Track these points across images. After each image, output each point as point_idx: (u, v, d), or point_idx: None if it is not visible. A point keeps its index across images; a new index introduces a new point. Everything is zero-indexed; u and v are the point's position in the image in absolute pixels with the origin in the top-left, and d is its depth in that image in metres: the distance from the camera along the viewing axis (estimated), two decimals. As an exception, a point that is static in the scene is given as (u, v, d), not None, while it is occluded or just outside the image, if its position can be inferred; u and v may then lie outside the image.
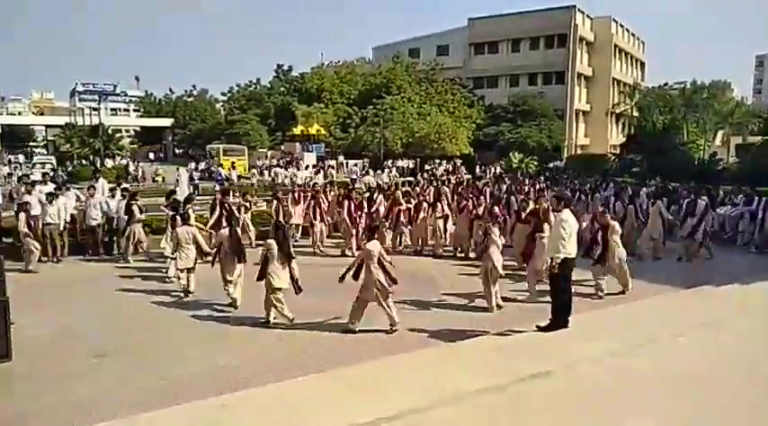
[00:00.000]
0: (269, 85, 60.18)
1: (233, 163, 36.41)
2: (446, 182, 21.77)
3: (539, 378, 6.10)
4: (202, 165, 39.56)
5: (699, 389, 5.95)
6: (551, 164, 42.79)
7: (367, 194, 16.19)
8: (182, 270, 9.94)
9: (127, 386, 6.32)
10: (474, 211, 13.13)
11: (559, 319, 7.66)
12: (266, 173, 33.50)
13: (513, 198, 15.34)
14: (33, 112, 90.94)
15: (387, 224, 13.97)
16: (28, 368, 6.85)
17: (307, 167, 31.85)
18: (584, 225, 10.93)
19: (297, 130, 41.90)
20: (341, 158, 39.44)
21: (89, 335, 7.97)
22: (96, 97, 54.98)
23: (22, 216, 12.02)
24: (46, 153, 53.28)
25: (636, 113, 52.49)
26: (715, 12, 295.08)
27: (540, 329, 7.64)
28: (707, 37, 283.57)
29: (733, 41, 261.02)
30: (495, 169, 37.72)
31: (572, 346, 7.18)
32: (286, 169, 31.29)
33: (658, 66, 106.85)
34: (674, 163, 32.31)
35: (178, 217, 10.50)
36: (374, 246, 7.96)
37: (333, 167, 33.33)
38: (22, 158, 48.46)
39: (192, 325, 8.44)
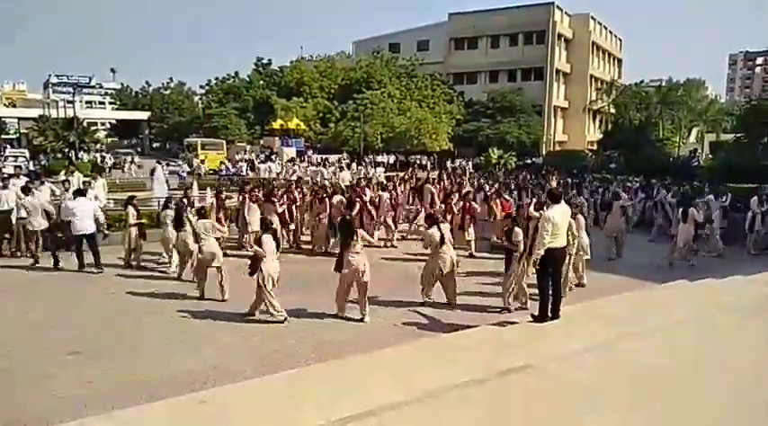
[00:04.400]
0: (248, 79, 59.56)
1: (202, 159, 35.82)
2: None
3: (518, 373, 6.13)
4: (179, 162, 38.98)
5: (677, 385, 6.04)
6: (530, 160, 43.18)
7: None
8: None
9: (105, 384, 6.20)
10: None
11: (543, 311, 7.87)
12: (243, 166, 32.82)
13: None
14: (5, 104, 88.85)
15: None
16: (2, 367, 6.70)
17: (292, 160, 31.45)
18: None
19: (276, 124, 41.58)
20: (310, 154, 38.85)
21: (62, 333, 7.81)
22: (71, 89, 53.97)
23: (131, 209, 11.74)
24: (17, 146, 52.06)
25: (613, 110, 53.10)
26: (690, 11, 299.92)
27: (534, 319, 7.91)
28: (682, 36, 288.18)
29: (707, 41, 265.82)
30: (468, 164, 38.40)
31: (553, 340, 7.26)
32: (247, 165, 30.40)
33: (635, 63, 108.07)
34: (650, 159, 32.79)
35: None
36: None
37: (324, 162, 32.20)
38: None
39: (172, 321, 8.31)
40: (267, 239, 8.28)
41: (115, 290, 9.91)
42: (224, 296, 9.25)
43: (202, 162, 33.94)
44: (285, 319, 8.14)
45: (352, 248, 8.25)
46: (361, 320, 8.30)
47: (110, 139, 65.01)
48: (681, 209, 13.07)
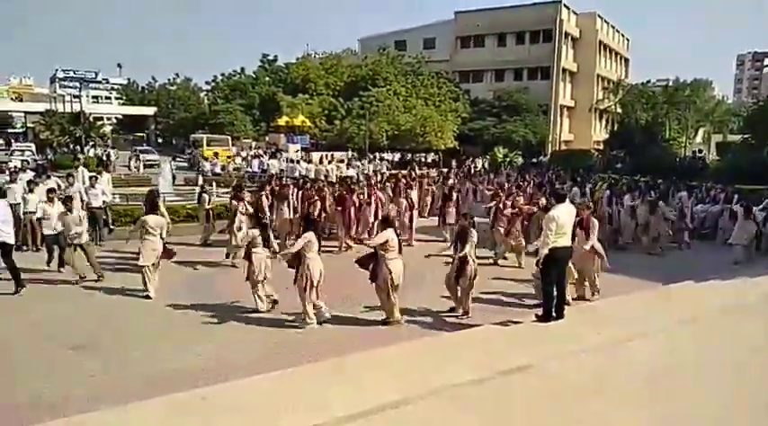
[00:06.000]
0: (254, 75, 59.50)
1: (215, 153, 35.69)
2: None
3: (521, 372, 6.12)
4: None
5: (679, 385, 6.02)
6: (535, 159, 43.13)
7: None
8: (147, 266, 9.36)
9: (104, 380, 6.22)
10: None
11: (547, 311, 7.85)
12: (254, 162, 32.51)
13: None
14: (12, 98, 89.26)
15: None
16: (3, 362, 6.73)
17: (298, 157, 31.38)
18: None
19: (281, 121, 41.54)
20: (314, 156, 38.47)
21: (64, 328, 7.86)
22: (77, 84, 54.15)
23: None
24: (24, 140, 52.19)
25: (619, 110, 52.89)
26: (698, 11, 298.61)
27: (538, 319, 7.88)
28: (690, 36, 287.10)
29: (715, 41, 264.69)
30: (477, 163, 38.35)
31: (556, 340, 7.24)
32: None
33: (642, 63, 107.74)
34: (656, 159, 32.65)
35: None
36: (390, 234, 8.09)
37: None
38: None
39: (171, 319, 8.33)
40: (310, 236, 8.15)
41: (110, 284, 9.95)
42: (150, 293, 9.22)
43: (229, 158, 33.59)
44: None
45: (313, 249, 8.04)
46: (320, 323, 8.05)
47: (122, 138, 64.69)
48: (743, 207, 13.51)
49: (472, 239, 8.53)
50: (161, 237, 9.48)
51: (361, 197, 14.49)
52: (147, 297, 9.20)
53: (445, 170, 29.81)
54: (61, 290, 9.73)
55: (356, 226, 14.23)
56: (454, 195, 15.24)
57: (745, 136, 36.34)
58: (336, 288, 8.79)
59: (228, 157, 33.93)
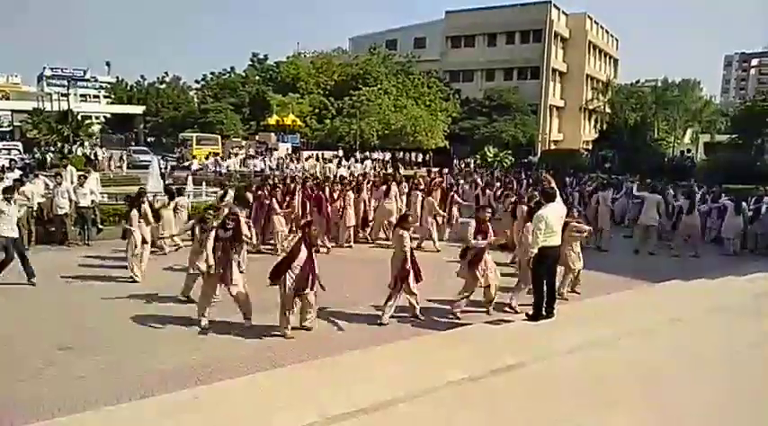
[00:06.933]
0: (243, 74, 59.30)
1: (213, 153, 35.63)
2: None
3: (512, 371, 6.15)
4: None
5: (669, 383, 6.07)
6: (526, 159, 43.33)
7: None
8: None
9: (94, 381, 6.16)
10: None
11: (537, 310, 7.87)
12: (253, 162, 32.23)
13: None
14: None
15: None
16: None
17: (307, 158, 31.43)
18: None
19: (272, 120, 41.43)
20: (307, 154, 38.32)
21: (53, 328, 7.78)
22: (65, 82, 53.45)
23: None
24: (11, 139, 51.58)
25: (608, 110, 53.20)
26: (686, 12, 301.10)
27: (529, 318, 7.90)
28: (679, 37, 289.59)
29: (703, 42, 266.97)
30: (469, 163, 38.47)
31: (548, 338, 7.27)
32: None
33: (631, 63, 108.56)
34: (645, 159, 32.93)
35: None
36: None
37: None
38: None
39: (159, 319, 8.23)
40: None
41: (98, 285, 9.90)
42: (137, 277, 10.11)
43: (239, 155, 33.49)
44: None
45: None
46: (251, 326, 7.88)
47: (113, 136, 64.13)
48: (733, 203, 14.21)
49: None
50: (144, 227, 10.53)
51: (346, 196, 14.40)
52: (134, 281, 10.03)
53: (435, 169, 29.80)
54: (51, 291, 9.64)
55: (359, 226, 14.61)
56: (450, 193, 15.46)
57: (733, 136, 36.72)
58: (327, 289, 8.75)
59: (233, 155, 33.84)
